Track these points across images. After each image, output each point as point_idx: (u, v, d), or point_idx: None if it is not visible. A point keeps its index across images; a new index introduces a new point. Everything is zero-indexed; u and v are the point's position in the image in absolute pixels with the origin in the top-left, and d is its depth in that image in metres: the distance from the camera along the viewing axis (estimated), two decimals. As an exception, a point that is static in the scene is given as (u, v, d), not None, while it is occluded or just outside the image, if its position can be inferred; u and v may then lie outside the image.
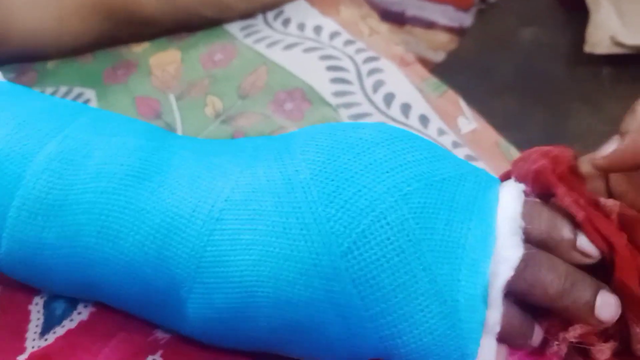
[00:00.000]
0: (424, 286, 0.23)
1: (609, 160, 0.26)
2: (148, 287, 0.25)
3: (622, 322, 0.25)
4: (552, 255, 0.25)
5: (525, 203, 0.25)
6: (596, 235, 0.25)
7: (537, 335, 0.25)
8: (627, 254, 0.25)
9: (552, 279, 0.24)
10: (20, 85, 0.29)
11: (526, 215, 0.25)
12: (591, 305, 0.24)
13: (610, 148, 0.27)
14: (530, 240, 0.25)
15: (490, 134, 0.45)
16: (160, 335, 0.27)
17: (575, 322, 0.25)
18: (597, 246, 0.25)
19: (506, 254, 0.23)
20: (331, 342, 0.24)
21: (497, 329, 0.23)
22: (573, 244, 0.25)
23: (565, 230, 0.25)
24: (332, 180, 0.24)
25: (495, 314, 0.23)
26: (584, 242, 0.25)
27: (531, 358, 0.27)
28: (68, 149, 0.26)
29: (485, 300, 0.23)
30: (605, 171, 0.28)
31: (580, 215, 0.25)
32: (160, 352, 0.26)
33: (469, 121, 0.45)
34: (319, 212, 0.23)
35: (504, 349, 0.25)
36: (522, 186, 0.26)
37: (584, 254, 0.25)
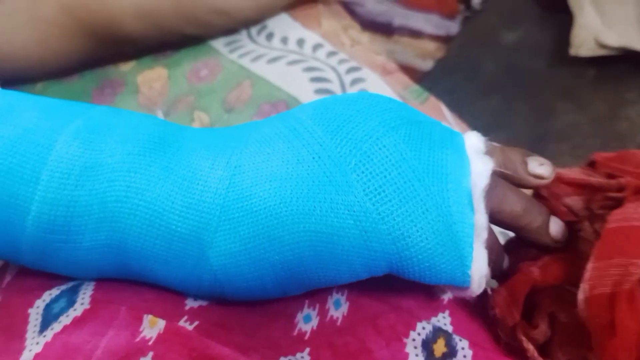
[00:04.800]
0: (421, 193, 0.26)
1: None
2: (173, 236, 0.27)
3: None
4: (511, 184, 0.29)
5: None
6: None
7: (506, 262, 0.31)
8: None
9: (517, 198, 0.29)
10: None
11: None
12: (546, 224, 0.29)
13: None
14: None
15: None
16: (147, 334, 0.28)
17: (532, 242, 0.29)
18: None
19: (479, 169, 0.27)
20: (350, 249, 0.27)
21: (485, 234, 0.27)
22: (526, 169, 0.29)
23: (516, 158, 0.29)
24: (332, 122, 0.28)
25: (481, 217, 0.27)
26: (534, 166, 0.29)
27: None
28: (93, 125, 0.28)
29: (471, 206, 0.27)
30: None
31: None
32: (150, 354, 0.27)
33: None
34: (326, 144, 0.27)
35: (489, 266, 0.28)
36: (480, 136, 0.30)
37: (536, 176, 0.29)
